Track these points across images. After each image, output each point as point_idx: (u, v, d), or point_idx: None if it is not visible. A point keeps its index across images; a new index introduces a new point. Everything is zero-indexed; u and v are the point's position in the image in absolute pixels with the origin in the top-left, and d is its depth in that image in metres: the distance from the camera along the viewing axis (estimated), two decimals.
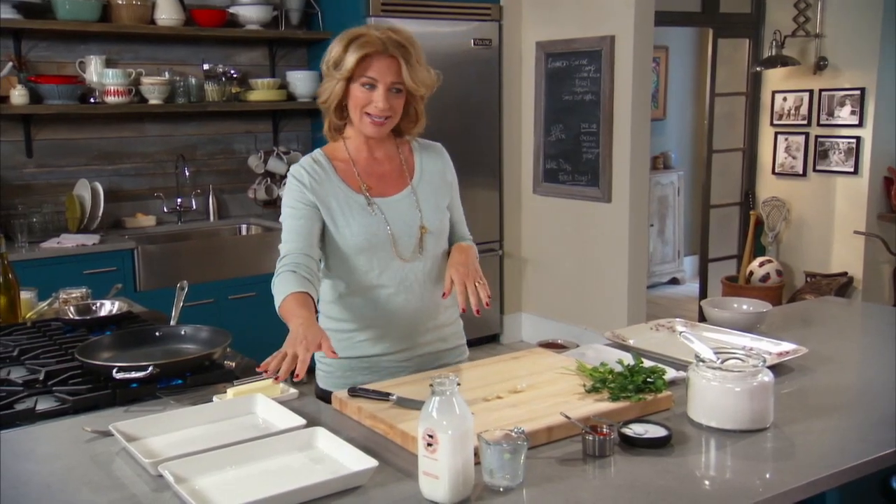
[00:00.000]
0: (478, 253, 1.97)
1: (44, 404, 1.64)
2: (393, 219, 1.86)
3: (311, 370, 1.65)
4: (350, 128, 1.89)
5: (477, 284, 1.77)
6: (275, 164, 4.57)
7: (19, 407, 1.63)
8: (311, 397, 1.70)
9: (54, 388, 1.71)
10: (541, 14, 4.74)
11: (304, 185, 1.84)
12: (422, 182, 1.93)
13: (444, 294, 1.82)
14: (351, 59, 1.76)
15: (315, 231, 1.82)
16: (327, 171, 1.87)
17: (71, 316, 2.23)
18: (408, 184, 1.92)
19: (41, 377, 1.76)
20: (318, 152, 1.92)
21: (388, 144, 1.94)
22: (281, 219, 1.87)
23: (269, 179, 4.62)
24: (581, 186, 4.60)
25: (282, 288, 1.70)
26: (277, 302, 1.69)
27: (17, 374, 1.82)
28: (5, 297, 2.26)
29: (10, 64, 3.89)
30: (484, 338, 4.94)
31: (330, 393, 1.75)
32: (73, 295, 2.38)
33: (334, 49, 1.80)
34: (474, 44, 4.70)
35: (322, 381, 1.95)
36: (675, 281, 6.57)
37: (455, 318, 2.01)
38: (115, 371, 1.68)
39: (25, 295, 2.37)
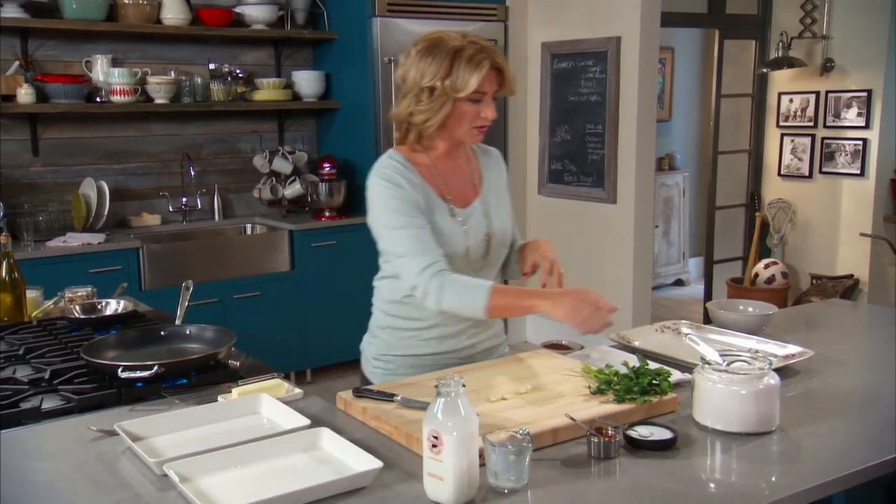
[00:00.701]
0: None
1: (49, 403, 1.65)
2: (469, 229, 1.87)
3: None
4: (435, 138, 1.85)
5: (560, 273, 1.86)
6: (280, 164, 4.57)
7: (25, 406, 1.63)
8: (316, 397, 1.70)
9: (60, 387, 1.71)
10: (547, 15, 4.73)
11: (403, 187, 1.79)
12: (488, 188, 1.95)
13: (525, 273, 1.91)
14: (474, 79, 1.71)
15: (430, 233, 1.78)
16: (414, 174, 1.83)
17: (76, 315, 2.23)
18: (479, 191, 1.93)
19: (47, 376, 1.76)
20: (397, 155, 1.86)
21: (462, 148, 1.93)
22: (381, 224, 1.78)
23: (274, 179, 4.62)
24: (586, 187, 4.59)
25: (472, 290, 1.71)
26: (480, 304, 1.69)
27: (23, 372, 1.82)
28: (11, 296, 2.26)
29: (17, 63, 3.90)
30: None
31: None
32: (79, 294, 2.39)
33: (431, 66, 1.74)
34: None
35: (380, 378, 1.93)
36: (679, 282, 6.56)
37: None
38: (120, 370, 1.68)
39: (31, 293, 2.37)
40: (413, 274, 1.75)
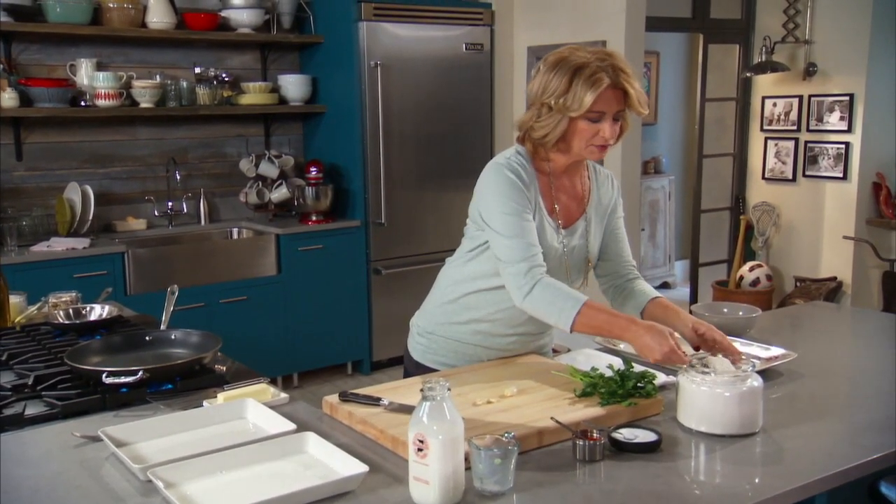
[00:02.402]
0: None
1: (33, 409, 1.64)
2: (570, 247, 1.87)
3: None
4: (554, 152, 1.84)
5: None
6: (266, 168, 4.56)
7: (8, 412, 1.62)
8: (302, 402, 1.70)
9: (43, 393, 1.70)
10: (532, 19, 4.75)
11: (523, 181, 1.79)
12: (594, 210, 1.93)
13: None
14: (588, 99, 1.69)
15: (535, 231, 1.79)
16: (532, 181, 1.83)
17: (61, 320, 2.22)
18: (584, 211, 1.92)
19: (30, 382, 1.75)
20: (525, 156, 1.85)
21: (581, 166, 1.93)
22: (495, 209, 1.77)
23: (260, 183, 4.61)
24: None
25: (566, 301, 1.69)
26: (568, 315, 1.67)
27: (6, 378, 1.81)
28: None
29: (1, 67, 3.87)
30: None
31: (425, 367, 1.90)
32: (63, 299, 2.37)
33: (552, 81, 1.74)
34: (466, 48, 4.72)
35: (422, 356, 1.97)
36: (665, 285, 6.59)
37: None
38: (104, 376, 1.67)
39: (15, 299, 2.35)
40: (514, 255, 1.74)
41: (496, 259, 1.80)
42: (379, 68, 4.39)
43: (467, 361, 1.92)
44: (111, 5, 3.99)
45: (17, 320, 2.31)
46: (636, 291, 1.95)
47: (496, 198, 1.78)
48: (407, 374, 2.00)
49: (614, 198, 1.99)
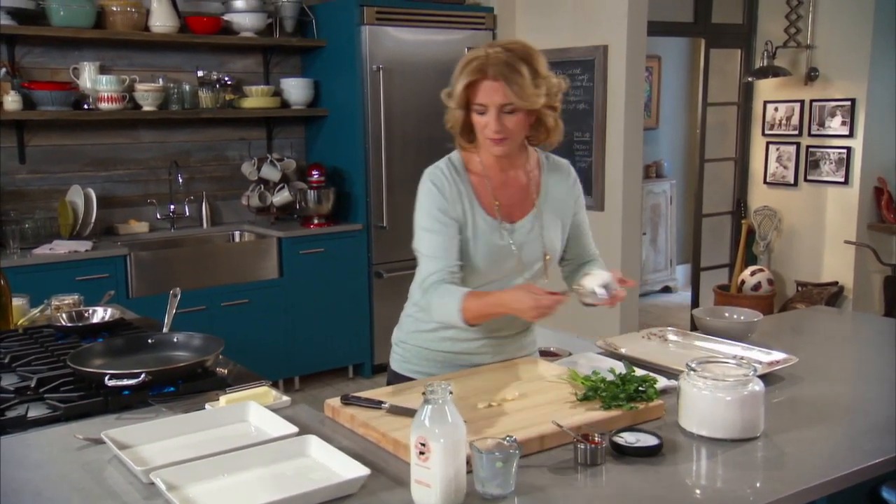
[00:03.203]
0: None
1: (35, 411, 1.64)
2: (519, 242, 1.87)
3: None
4: (470, 145, 1.89)
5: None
6: (268, 171, 4.57)
7: (11, 414, 1.62)
8: (304, 405, 1.70)
9: (46, 396, 1.70)
10: (534, 23, 4.76)
11: (444, 194, 1.83)
12: (546, 203, 1.93)
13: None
14: (458, 90, 1.77)
15: (456, 243, 1.83)
16: (464, 183, 1.86)
17: (63, 323, 2.22)
18: (533, 205, 1.91)
19: (33, 384, 1.75)
20: (455, 160, 1.90)
21: (519, 159, 1.93)
22: (417, 223, 1.85)
23: (262, 186, 4.62)
24: None
25: (449, 298, 1.74)
26: (454, 310, 1.73)
27: (9, 381, 1.81)
28: None
29: (4, 70, 3.88)
30: None
31: (402, 376, 1.89)
32: (66, 301, 2.38)
33: (454, 74, 1.82)
34: (468, 53, 4.72)
35: (397, 364, 2.00)
36: (667, 289, 6.59)
37: (534, 328, 2.04)
38: (107, 378, 1.68)
39: (17, 301, 2.36)
40: (421, 277, 1.83)
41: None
42: (381, 72, 4.40)
43: (442, 369, 1.92)
44: (114, 9, 4.00)
45: (19, 323, 2.31)
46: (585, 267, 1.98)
47: (418, 212, 1.86)
48: (389, 384, 1.99)
49: (573, 188, 1.99)
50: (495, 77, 1.75)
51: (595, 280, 1.71)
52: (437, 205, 1.83)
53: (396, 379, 1.96)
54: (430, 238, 1.83)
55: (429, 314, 1.85)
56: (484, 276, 1.87)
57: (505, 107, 1.76)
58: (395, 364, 2.02)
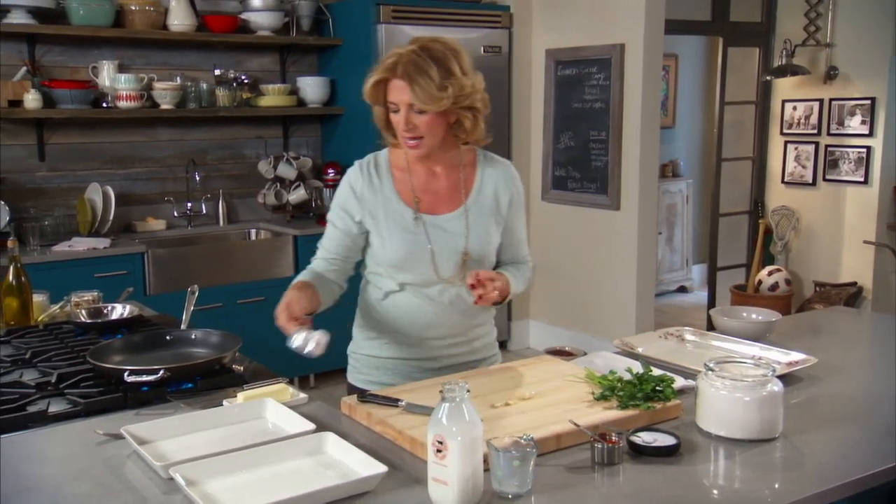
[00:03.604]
0: (522, 280, 1.94)
1: (56, 407, 1.66)
2: (436, 238, 1.85)
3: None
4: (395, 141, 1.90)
5: (488, 284, 1.75)
6: (284, 170, 4.59)
7: (32, 409, 1.64)
8: (320, 402, 1.71)
9: (66, 391, 1.72)
10: (551, 22, 4.75)
11: (354, 192, 1.87)
12: (476, 202, 1.90)
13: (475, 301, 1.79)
14: (366, 87, 1.79)
15: (348, 241, 1.89)
16: (383, 178, 1.88)
17: (82, 319, 2.24)
18: (462, 203, 1.89)
19: (53, 380, 1.77)
20: (382, 155, 1.93)
21: (449, 156, 1.90)
22: (328, 215, 1.95)
23: (278, 184, 4.64)
24: (590, 194, 4.60)
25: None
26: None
27: (30, 376, 1.84)
28: (18, 301, 2.28)
29: (24, 68, 3.92)
30: None
31: (356, 388, 1.88)
32: (85, 298, 2.40)
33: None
34: (484, 51, 4.72)
35: (350, 376, 2.02)
36: (683, 289, 6.56)
37: (488, 331, 2.02)
38: (126, 374, 1.69)
39: (37, 298, 2.38)
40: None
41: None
42: None
43: (394, 378, 1.91)
44: (133, 8, 4.03)
45: (40, 319, 2.34)
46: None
47: (332, 207, 1.94)
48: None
49: (510, 188, 1.93)
50: (402, 76, 1.74)
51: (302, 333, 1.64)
52: (339, 201, 1.90)
53: (350, 392, 1.90)
54: (327, 229, 1.92)
55: None
56: (399, 268, 1.85)
57: (412, 106, 1.75)
58: (350, 376, 2.01)
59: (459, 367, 1.93)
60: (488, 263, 1.92)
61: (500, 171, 1.95)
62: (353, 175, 1.89)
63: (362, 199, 1.86)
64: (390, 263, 1.86)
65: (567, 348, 2.07)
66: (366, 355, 1.98)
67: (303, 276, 1.86)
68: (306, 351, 1.60)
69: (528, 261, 2.02)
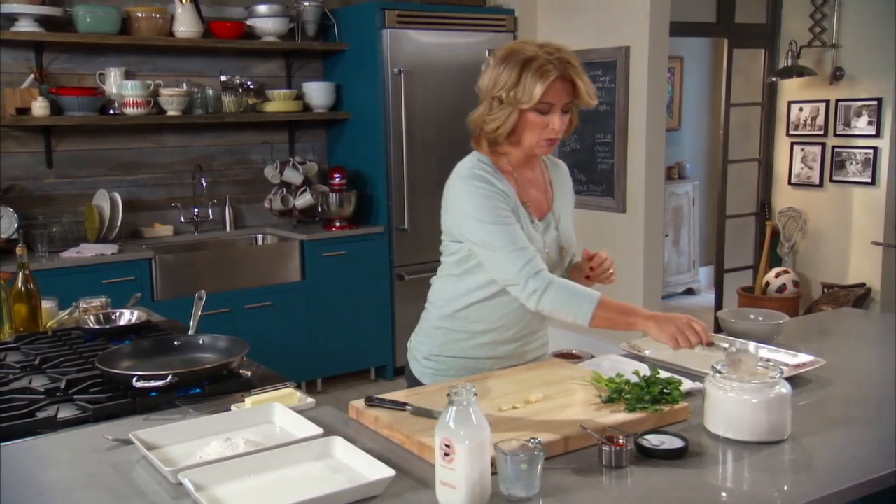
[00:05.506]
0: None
1: (65, 412, 1.66)
2: (546, 239, 1.90)
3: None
4: (507, 145, 1.85)
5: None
6: (291, 175, 4.60)
7: (41, 415, 1.65)
8: (328, 407, 1.71)
9: (75, 397, 1.73)
10: (556, 25, 4.75)
11: (496, 185, 1.80)
12: (559, 201, 1.97)
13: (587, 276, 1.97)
14: (538, 90, 1.72)
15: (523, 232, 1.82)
16: (502, 182, 1.84)
17: (91, 325, 2.25)
18: (552, 203, 1.95)
19: (62, 385, 1.78)
20: (485, 158, 1.86)
21: (538, 160, 1.96)
22: (477, 218, 1.77)
23: (285, 189, 4.65)
24: (596, 196, 4.60)
25: (582, 299, 1.72)
26: (586, 312, 1.71)
27: (39, 382, 1.84)
28: (27, 307, 2.29)
29: (32, 76, 3.95)
30: None
31: None
32: (93, 304, 2.41)
33: (502, 75, 1.76)
34: (490, 55, 4.71)
35: (427, 377, 1.96)
36: (690, 291, 6.55)
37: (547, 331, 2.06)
38: (134, 380, 1.70)
39: (46, 304, 2.40)
40: (513, 269, 1.75)
41: (490, 271, 1.81)
42: (402, 75, 4.42)
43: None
44: (139, 15, 4.05)
45: (48, 325, 2.35)
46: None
47: (474, 211, 1.78)
48: None
49: (569, 183, 2.05)
50: (565, 76, 1.75)
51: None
52: (494, 194, 1.78)
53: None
54: (501, 229, 1.75)
55: (535, 304, 1.74)
56: None
57: (567, 105, 1.79)
58: (428, 378, 1.96)
59: (535, 360, 1.98)
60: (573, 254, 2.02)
61: (563, 169, 2.06)
62: (481, 177, 1.79)
63: (505, 197, 1.82)
64: None
65: (574, 351, 2.07)
66: (457, 357, 1.93)
67: (600, 299, 1.74)
68: None
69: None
